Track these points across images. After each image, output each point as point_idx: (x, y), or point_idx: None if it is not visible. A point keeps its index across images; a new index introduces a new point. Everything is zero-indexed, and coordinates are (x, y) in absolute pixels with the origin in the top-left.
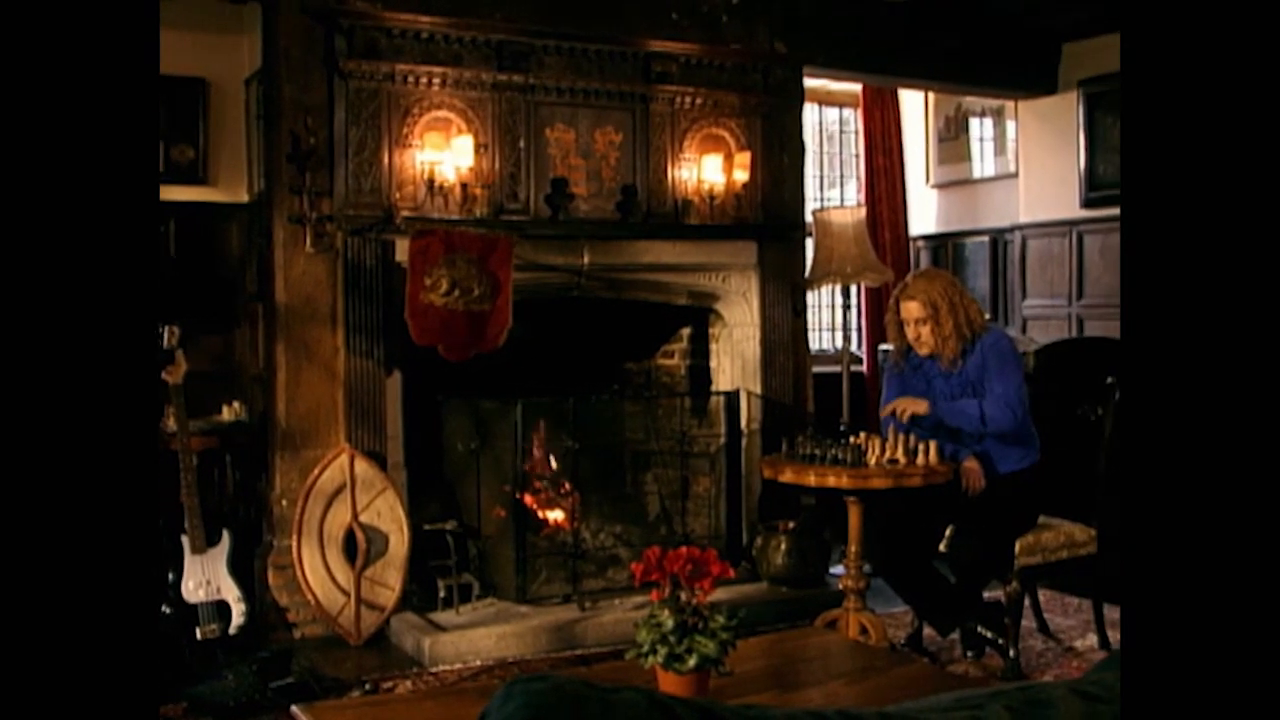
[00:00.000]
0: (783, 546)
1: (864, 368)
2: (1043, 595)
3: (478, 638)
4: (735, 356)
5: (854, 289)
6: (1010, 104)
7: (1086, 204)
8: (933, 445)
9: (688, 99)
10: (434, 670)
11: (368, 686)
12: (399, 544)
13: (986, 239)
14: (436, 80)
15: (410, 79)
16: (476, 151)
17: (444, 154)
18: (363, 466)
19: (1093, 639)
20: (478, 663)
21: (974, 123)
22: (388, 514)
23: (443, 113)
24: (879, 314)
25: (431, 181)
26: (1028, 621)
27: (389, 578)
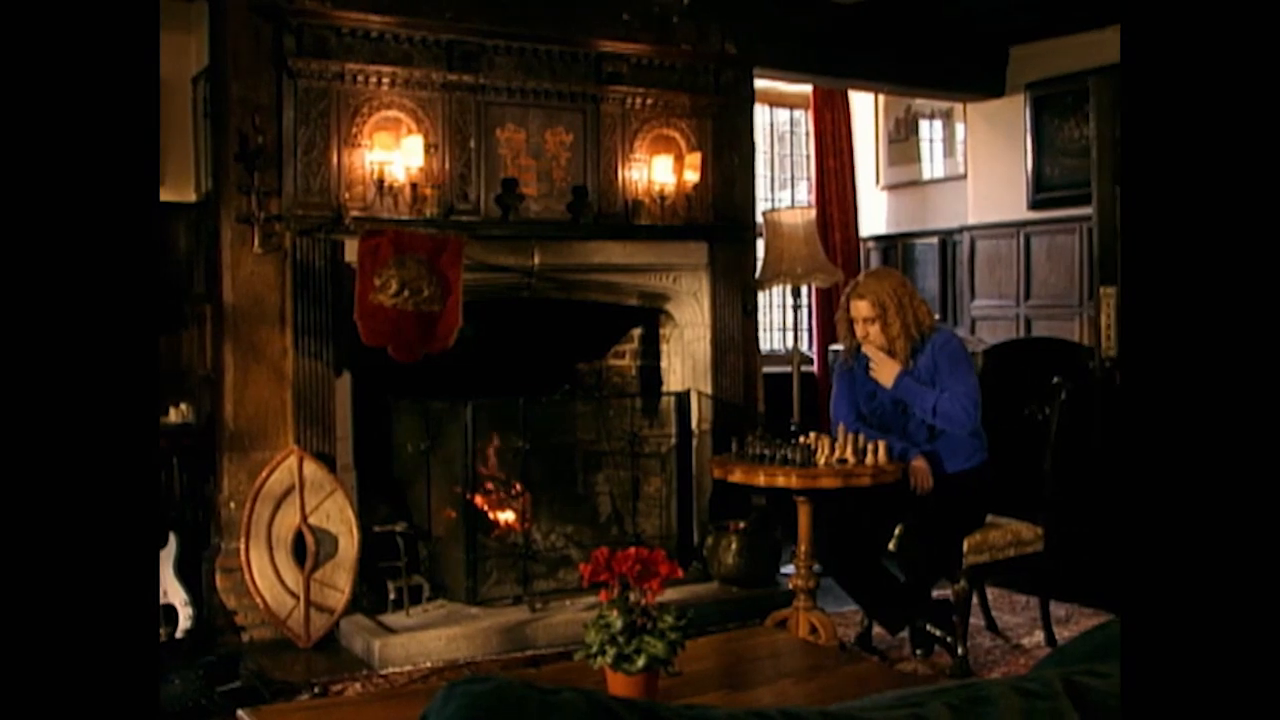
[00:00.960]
0: (733, 546)
1: (814, 368)
2: (990, 593)
3: (428, 640)
4: (686, 357)
5: (804, 289)
6: (959, 106)
7: (1033, 206)
8: (881, 445)
9: (638, 100)
10: (383, 673)
11: (316, 690)
12: (348, 546)
13: (935, 240)
14: (386, 80)
15: (360, 78)
16: (426, 152)
17: (394, 154)
18: (312, 468)
19: (1039, 636)
20: (428, 665)
21: (923, 125)
22: (337, 516)
23: (392, 112)
24: (829, 314)
25: (381, 182)
26: (976, 619)
27: (338, 580)
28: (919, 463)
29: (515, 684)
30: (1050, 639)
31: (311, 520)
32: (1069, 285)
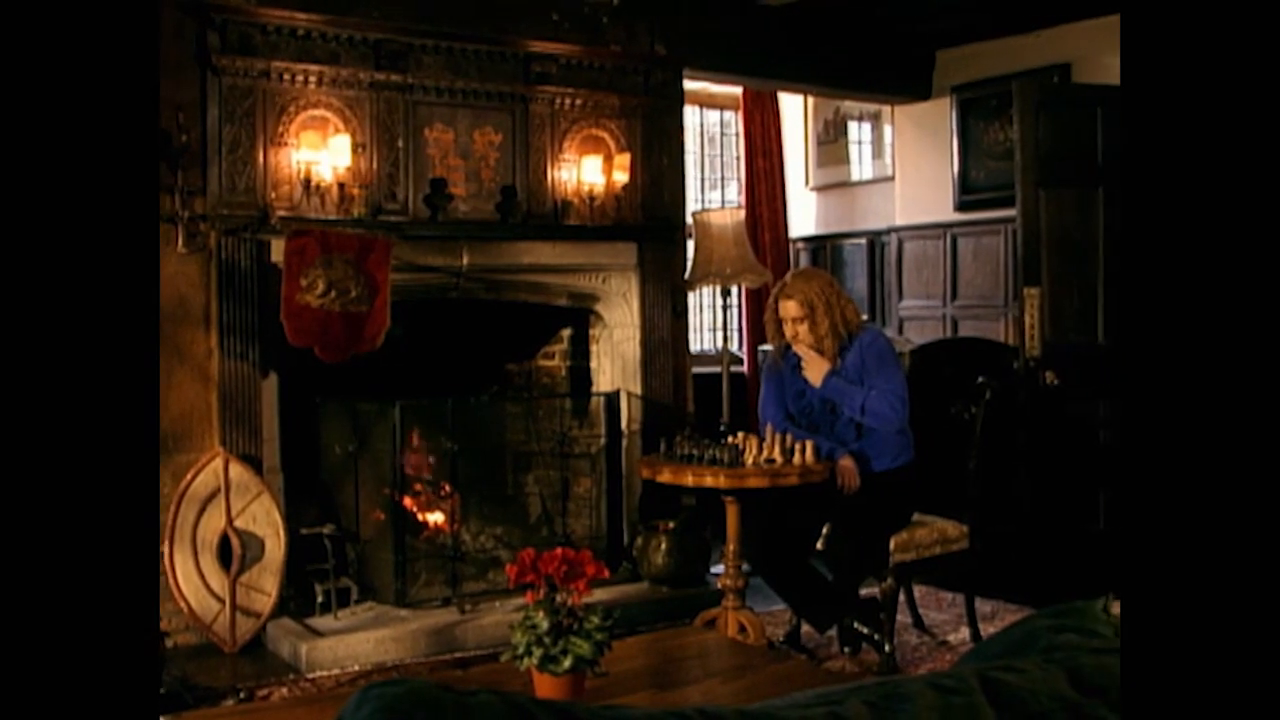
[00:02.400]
0: (663, 546)
1: (744, 368)
2: (917, 591)
3: (356, 643)
4: (615, 357)
5: (734, 290)
6: (887, 109)
7: (959, 207)
8: (809, 445)
9: (567, 100)
10: (311, 677)
11: (242, 695)
12: (275, 549)
13: (864, 241)
14: (313, 78)
15: (286, 77)
16: (354, 151)
17: (321, 153)
18: (237, 470)
19: (965, 632)
20: (356, 668)
21: (852, 126)
22: (263, 518)
23: (319, 111)
24: (759, 315)
25: (308, 181)
26: (903, 617)
27: (265, 583)
28: (846, 462)
29: (430, 686)
30: (975, 635)
31: (238, 523)
32: (994, 286)
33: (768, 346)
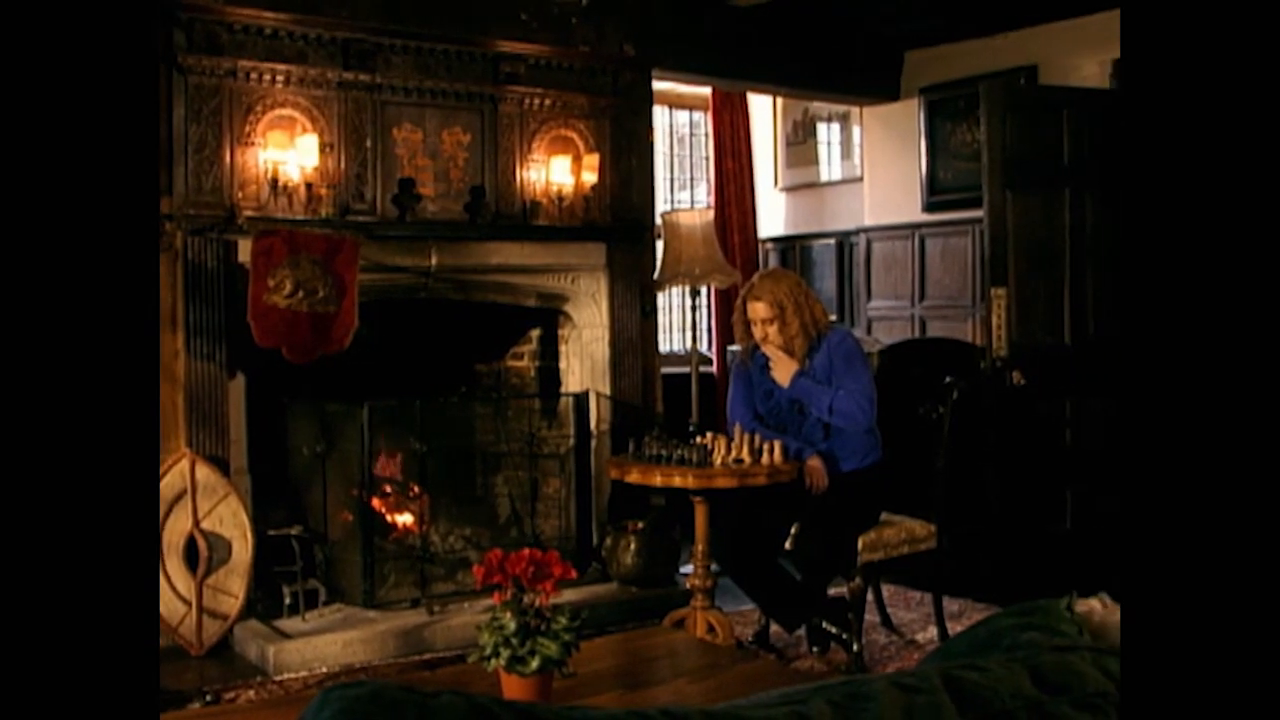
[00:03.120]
0: (632, 547)
1: (713, 368)
2: (885, 590)
3: (324, 644)
4: (584, 358)
5: (703, 290)
6: (856, 110)
7: (927, 208)
8: (777, 445)
9: (536, 100)
10: (278, 679)
11: (209, 698)
12: (242, 550)
13: (833, 241)
14: (280, 78)
15: (253, 76)
16: (322, 151)
17: (288, 153)
18: (204, 472)
19: (933, 631)
20: (324, 670)
21: (821, 127)
22: (230, 520)
23: (287, 111)
24: (728, 315)
25: (275, 181)
26: (871, 616)
27: (232, 585)
28: (814, 462)
29: (392, 687)
30: (943, 634)
31: (204, 525)
32: (962, 286)
33: (736, 347)
